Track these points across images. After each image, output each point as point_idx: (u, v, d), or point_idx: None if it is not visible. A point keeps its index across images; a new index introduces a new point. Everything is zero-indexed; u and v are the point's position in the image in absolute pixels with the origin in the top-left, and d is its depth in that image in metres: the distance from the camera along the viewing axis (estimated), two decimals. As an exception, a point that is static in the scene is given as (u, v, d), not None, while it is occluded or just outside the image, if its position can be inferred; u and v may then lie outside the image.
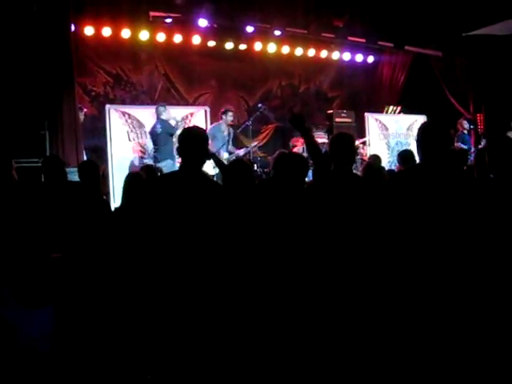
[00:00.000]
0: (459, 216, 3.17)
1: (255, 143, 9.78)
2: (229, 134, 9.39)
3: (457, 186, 3.27)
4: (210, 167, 8.92)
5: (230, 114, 9.45)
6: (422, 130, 3.41)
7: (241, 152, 9.44)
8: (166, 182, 3.67)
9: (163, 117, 8.79)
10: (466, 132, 10.21)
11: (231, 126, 9.52)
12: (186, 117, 9.62)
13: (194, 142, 3.55)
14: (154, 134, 8.78)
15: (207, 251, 3.40)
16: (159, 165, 8.18)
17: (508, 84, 11.29)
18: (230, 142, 9.53)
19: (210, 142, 8.74)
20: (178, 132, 8.73)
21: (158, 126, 8.66)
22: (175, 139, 9.40)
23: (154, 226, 3.48)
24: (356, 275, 3.52)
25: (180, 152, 3.60)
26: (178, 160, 8.79)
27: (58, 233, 4.19)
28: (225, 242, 3.50)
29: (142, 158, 9.13)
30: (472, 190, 3.32)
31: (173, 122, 8.96)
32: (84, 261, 4.18)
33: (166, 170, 7.72)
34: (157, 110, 8.92)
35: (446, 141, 3.33)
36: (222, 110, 9.63)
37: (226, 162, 8.87)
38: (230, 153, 9.32)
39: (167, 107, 9.09)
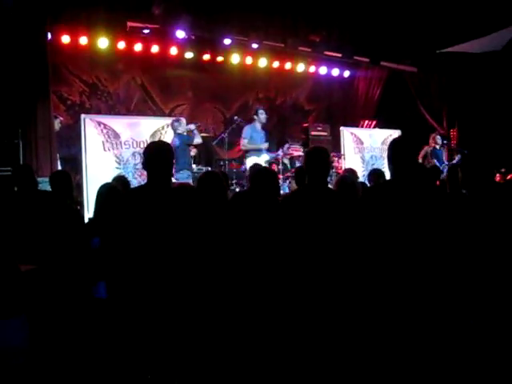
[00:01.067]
0: (430, 230, 3.21)
1: (287, 145, 9.72)
2: (265, 134, 9.32)
3: (428, 200, 3.31)
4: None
5: (262, 111, 9.32)
6: (393, 146, 3.45)
7: (280, 152, 9.46)
8: (136, 196, 3.65)
9: (179, 131, 8.66)
10: (437, 147, 10.33)
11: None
12: (162, 128, 9.53)
13: (160, 157, 3.57)
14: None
15: (184, 260, 3.41)
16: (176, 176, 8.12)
17: (481, 100, 11.49)
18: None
19: (246, 142, 9.04)
20: (197, 140, 8.79)
21: (176, 140, 8.47)
22: (193, 152, 9.46)
23: (125, 239, 3.48)
24: (328, 287, 3.53)
25: (146, 166, 3.60)
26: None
27: (27, 242, 4.15)
28: (200, 252, 3.51)
29: (117, 168, 9.02)
30: (443, 205, 3.36)
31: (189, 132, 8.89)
32: (56, 271, 4.13)
33: (181, 180, 7.83)
34: (172, 125, 8.78)
35: (416, 156, 3.38)
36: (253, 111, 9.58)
37: (266, 164, 8.86)
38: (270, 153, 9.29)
39: (181, 120, 8.96)
